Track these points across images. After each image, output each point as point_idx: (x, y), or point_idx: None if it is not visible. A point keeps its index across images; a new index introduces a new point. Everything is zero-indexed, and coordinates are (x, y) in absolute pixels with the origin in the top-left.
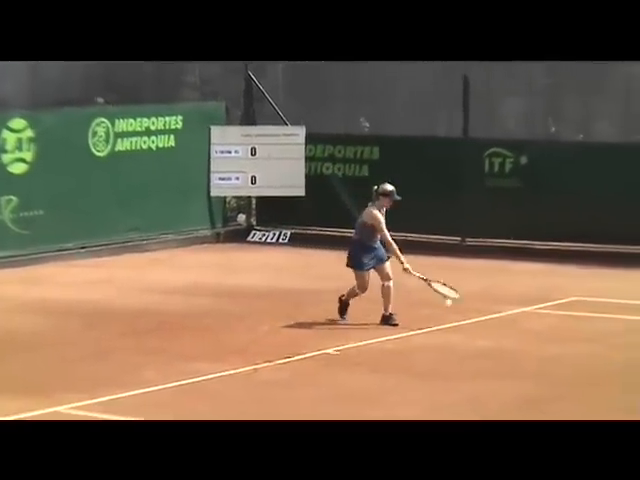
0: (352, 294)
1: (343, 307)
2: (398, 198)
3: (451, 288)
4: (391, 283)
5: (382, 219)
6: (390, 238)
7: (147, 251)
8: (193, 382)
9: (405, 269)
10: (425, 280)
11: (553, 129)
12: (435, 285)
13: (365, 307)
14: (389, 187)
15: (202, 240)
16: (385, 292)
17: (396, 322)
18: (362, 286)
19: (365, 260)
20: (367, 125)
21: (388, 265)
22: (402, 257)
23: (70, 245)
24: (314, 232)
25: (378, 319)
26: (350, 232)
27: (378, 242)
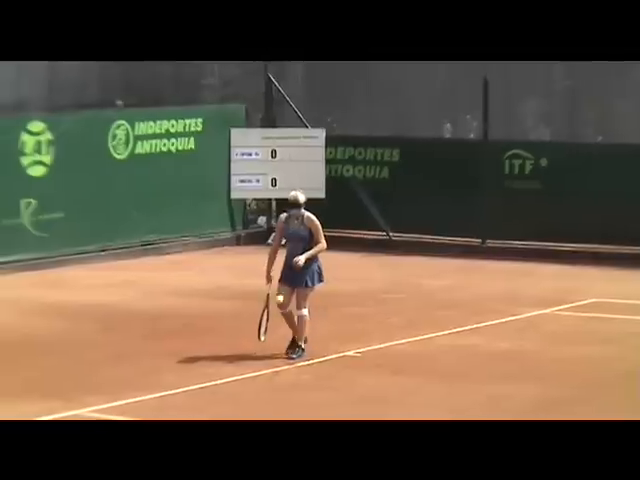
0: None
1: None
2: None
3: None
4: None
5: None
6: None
7: (167, 254)
8: (214, 385)
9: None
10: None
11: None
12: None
13: (387, 310)
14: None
15: (222, 243)
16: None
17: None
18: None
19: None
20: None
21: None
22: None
23: (90, 248)
24: (334, 234)
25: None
26: (371, 234)
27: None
